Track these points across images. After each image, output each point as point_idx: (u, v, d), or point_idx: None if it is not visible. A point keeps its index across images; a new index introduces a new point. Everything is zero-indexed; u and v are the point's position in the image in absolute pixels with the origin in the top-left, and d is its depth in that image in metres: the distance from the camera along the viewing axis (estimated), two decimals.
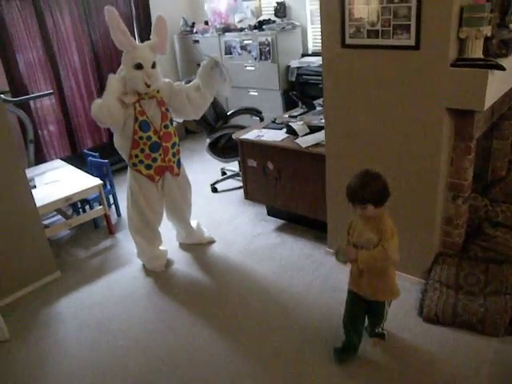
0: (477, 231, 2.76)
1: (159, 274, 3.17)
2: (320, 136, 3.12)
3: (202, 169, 4.84)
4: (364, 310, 2.23)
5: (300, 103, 4.02)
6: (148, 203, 3.05)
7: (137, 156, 2.92)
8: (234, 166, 4.48)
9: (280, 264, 3.15)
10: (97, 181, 3.69)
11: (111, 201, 4.11)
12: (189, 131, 6.13)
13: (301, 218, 3.50)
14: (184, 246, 3.48)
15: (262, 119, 4.44)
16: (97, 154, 4.16)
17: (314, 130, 3.29)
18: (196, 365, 2.38)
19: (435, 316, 2.43)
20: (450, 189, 2.61)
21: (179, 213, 3.31)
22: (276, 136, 3.38)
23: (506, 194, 3.18)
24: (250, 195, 3.65)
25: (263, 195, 3.55)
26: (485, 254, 2.64)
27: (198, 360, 2.40)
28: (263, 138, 3.38)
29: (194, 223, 3.48)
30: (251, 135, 3.48)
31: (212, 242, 3.50)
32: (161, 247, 3.32)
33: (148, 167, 2.95)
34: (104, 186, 3.83)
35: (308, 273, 3.02)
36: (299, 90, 4.85)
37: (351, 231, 2.14)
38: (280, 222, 3.68)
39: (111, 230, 3.80)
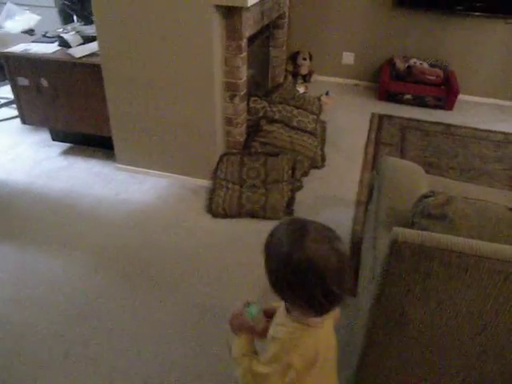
0: (256, 129, 2.93)
1: None
2: (94, 46, 2.88)
3: None
4: None
5: (75, 17, 3.65)
6: None
7: None
8: (7, 93, 3.92)
9: (68, 184, 2.94)
10: None
11: None
12: None
13: (88, 139, 3.28)
14: None
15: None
16: None
17: (88, 40, 3.02)
18: None
19: (223, 210, 2.55)
20: (226, 89, 2.67)
21: None
22: (47, 49, 3.01)
23: (283, 97, 3.43)
24: (27, 119, 3.24)
25: (42, 117, 3.19)
26: (264, 149, 2.84)
27: None
28: (32, 51, 2.99)
29: None
30: (17, 49, 3.04)
31: None
32: None
33: None
34: None
35: (99, 189, 2.89)
36: (80, 6, 4.40)
37: None
38: (67, 145, 3.39)
39: None
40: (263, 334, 1.12)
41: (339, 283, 0.90)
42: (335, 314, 1.11)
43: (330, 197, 2.78)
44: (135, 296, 2.11)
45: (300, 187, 2.76)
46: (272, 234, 0.99)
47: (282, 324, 1.03)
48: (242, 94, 2.70)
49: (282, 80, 3.88)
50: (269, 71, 3.80)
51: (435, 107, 3.94)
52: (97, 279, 2.21)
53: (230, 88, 2.67)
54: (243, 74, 2.68)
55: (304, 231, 0.92)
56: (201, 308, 2.04)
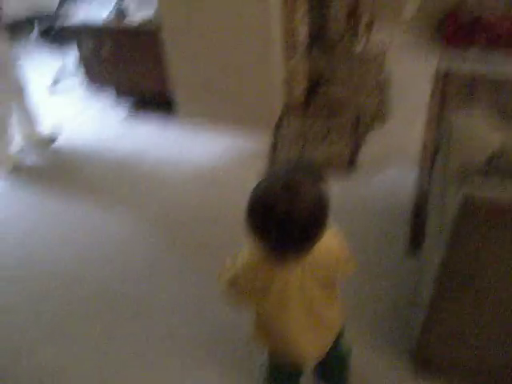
0: (317, 86, 2.89)
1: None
2: (150, 12, 2.93)
3: (33, 70, 4.33)
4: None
5: None
6: None
7: None
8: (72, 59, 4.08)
9: (133, 145, 3.08)
10: None
11: None
12: None
13: (150, 100, 3.38)
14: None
15: None
16: None
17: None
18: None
19: None
20: (288, 46, 2.64)
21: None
22: (106, 15, 3.10)
23: (344, 51, 3.33)
24: (92, 83, 3.40)
25: (105, 82, 3.33)
26: (325, 105, 2.81)
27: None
28: (95, 18, 3.08)
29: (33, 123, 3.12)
30: (79, 16, 3.15)
31: (54, 139, 3.20)
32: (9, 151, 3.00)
33: None
34: None
35: (162, 148, 3.01)
36: None
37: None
38: (130, 107, 3.51)
39: None
40: None
41: (279, 236, 0.93)
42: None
43: (393, 153, 2.73)
44: (199, 255, 2.22)
45: (362, 144, 2.73)
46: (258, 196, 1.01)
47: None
48: (301, 50, 2.67)
49: (342, 32, 3.75)
50: (329, 23, 3.69)
51: (507, 57, 3.70)
52: (162, 239, 2.34)
53: (292, 44, 2.63)
54: (305, 29, 2.63)
55: (272, 178, 0.98)
56: None
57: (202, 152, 2.93)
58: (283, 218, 0.90)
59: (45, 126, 3.17)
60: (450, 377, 1.58)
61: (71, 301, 2.06)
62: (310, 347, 1.19)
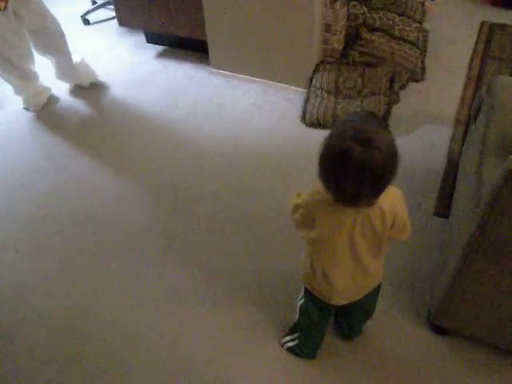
0: (355, 37, 2.80)
1: (42, 112, 2.95)
2: None
3: (66, 1, 4.25)
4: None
5: None
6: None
7: None
8: None
9: (163, 88, 3.06)
10: None
11: None
12: None
13: (182, 42, 3.31)
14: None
15: None
16: None
17: None
18: (87, 199, 2.37)
19: (317, 120, 2.56)
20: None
21: (51, 44, 2.86)
22: None
23: (383, 2, 3.19)
24: (124, 21, 3.32)
25: (138, 19, 3.24)
26: (362, 59, 2.74)
27: (88, 194, 2.39)
28: None
29: (76, 59, 3.07)
30: None
31: (98, 83, 3.15)
32: (40, 84, 3.00)
33: None
34: None
35: (193, 93, 2.98)
36: None
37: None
38: (161, 48, 3.45)
39: None
40: None
41: (354, 182, 0.98)
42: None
43: (428, 113, 2.68)
44: (230, 200, 2.27)
45: (397, 100, 2.67)
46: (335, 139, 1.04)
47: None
48: (342, 2, 2.56)
49: None
50: None
51: None
52: (199, 176, 2.39)
53: None
54: None
55: (346, 127, 1.00)
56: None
57: (233, 96, 2.91)
58: (360, 165, 0.94)
59: (80, 63, 3.12)
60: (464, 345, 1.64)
61: (100, 240, 2.15)
62: (348, 286, 1.28)
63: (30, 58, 2.85)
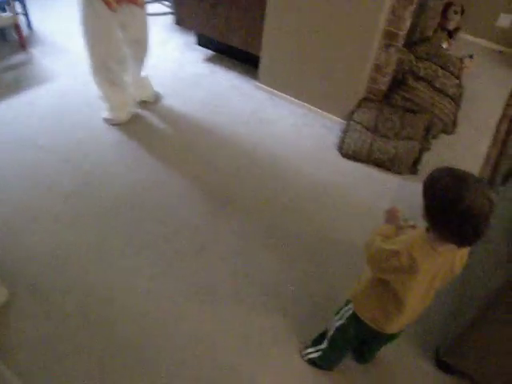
0: (400, 82, 2.97)
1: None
2: None
3: None
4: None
5: None
6: (105, 38, 2.54)
7: None
8: None
9: (208, 93, 3.18)
10: None
11: (18, 9, 3.62)
12: None
13: (232, 51, 3.44)
14: None
15: None
16: None
17: None
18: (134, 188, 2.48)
19: (353, 153, 2.71)
20: (385, 37, 2.71)
21: (137, 54, 2.83)
22: None
23: (428, 53, 3.38)
24: (182, 21, 3.45)
25: (196, 22, 3.37)
26: (404, 103, 2.91)
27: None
28: None
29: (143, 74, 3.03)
30: None
31: (158, 98, 3.10)
32: (128, 96, 2.91)
33: None
34: None
35: (236, 103, 3.11)
36: None
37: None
38: (210, 52, 3.60)
39: (23, 44, 3.44)
40: (397, 234, 1.42)
41: (486, 224, 1.12)
42: (463, 253, 1.32)
43: (454, 165, 2.82)
44: (264, 210, 2.40)
45: (428, 149, 2.84)
46: (435, 179, 1.19)
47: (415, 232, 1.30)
48: (399, 44, 2.73)
49: (431, 33, 3.77)
50: (420, 22, 3.70)
51: None
52: (238, 185, 2.52)
53: (390, 37, 2.70)
54: (406, 26, 2.69)
55: (464, 183, 1.13)
56: (327, 240, 2.29)
57: (276, 113, 3.05)
58: (472, 205, 1.10)
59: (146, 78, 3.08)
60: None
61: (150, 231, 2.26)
62: (411, 317, 1.43)
63: (127, 67, 2.81)
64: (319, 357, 1.71)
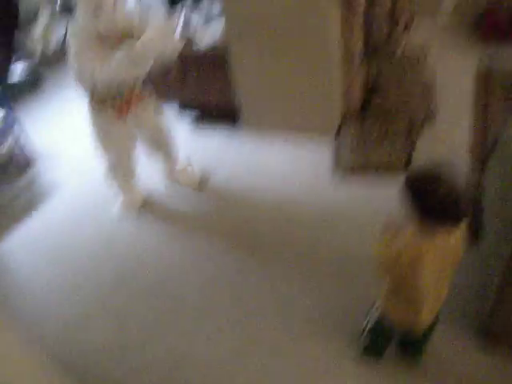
0: (371, 94, 3.18)
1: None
2: (215, 31, 3.26)
3: None
4: None
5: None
6: (113, 142, 2.78)
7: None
8: None
9: (202, 156, 3.40)
10: None
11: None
12: None
13: (213, 113, 3.67)
14: None
15: None
16: None
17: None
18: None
19: (350, 169, 2.92)
20: (345, 60, 2.93)
21: (158, 146, 3.01)
22: None
23: (389, 53, 3.53)
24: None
25: (171, 97, 3.67)
26: (380, 111, 3.11)
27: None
28: None
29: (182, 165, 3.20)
30: None
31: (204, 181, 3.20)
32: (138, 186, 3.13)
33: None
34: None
35: (230, 160, 3.34)
36: None
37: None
38: (194, 121, 3.80)
39: (28, 164, 3.67)
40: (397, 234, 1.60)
41: (459, 199, 1.38)
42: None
43: (444, 153, 2.89)
44: (280, 250, 2.60)
45: (414, 148, 2.96)
46: (413, 184, 1.46)
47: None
48: (357, 62, 2.96)
49: (385, 34, 3.92)
50: (373, 29, 3.89)
51: None
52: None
53: (348, 58, 2.92)
54: (358, 43, 2.92)
55: (437, 177, 1.41)
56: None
57: (267, 155, 3.26)
58: (446, 191, 1.37)
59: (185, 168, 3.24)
60: None
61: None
62: (428, 314, 1.61)
63: (136, 160, 3.01)
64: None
